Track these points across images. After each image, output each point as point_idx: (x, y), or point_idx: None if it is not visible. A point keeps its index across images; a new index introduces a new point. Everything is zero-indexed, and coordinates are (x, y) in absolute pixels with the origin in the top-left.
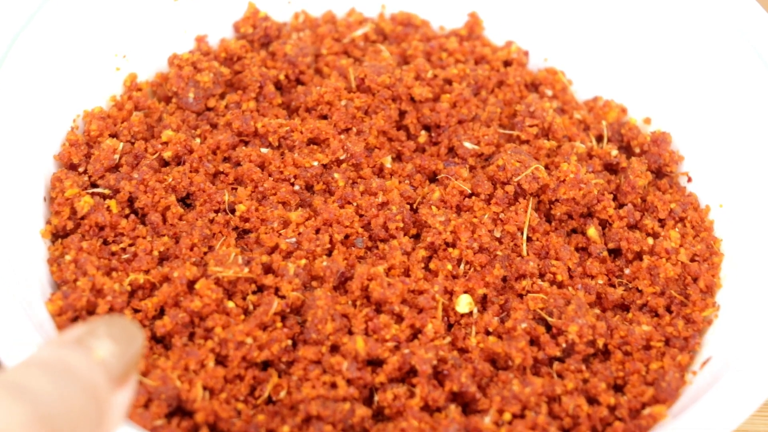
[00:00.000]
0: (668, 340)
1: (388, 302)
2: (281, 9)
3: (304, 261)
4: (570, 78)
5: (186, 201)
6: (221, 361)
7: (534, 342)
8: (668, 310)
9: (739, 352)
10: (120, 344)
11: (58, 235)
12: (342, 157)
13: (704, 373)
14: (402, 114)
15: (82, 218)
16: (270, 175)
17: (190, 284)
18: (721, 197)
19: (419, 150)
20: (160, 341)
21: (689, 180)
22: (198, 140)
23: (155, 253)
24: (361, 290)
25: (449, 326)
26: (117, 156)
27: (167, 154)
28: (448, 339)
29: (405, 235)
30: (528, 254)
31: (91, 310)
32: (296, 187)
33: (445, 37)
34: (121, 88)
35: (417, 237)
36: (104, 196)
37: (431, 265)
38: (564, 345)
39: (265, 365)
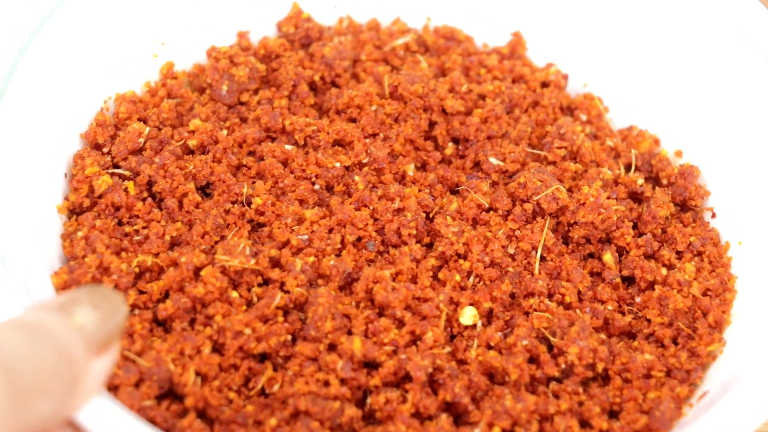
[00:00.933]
0: (669, 371)
1: (390, 306)
2: (326, 12)
3: (312, 258)
4: (607, 105)
5: (206, 191)
6: (218, 349)
7: (534, 360)
8: (674, 341)
9: (736, 387)
10: (101, 312)
11: (74, 212)
12: (365, 161)
13: (701, 407)
14: (432, 125)
15: (99, 197)
16: (291, 172)
17: (197, 271)
18: (742, 235)
19: (445, 162)
20: (162, 324)
21: (713, 216)
22: (225, 132)
23: (167, 237)
24: (365, 292)
25: (452, 337)
26: (142, 140)
27: (192, 143)
28: (448, 349)
29: (417, 242)
30: (539, 273)
31: None
32: (316, 186)
33: (486, 53)
34: (157, 75)
35: (430, 246)
36: (124, 178)
37: (440, 275)
38: (563, 366)
39: (264, 358)
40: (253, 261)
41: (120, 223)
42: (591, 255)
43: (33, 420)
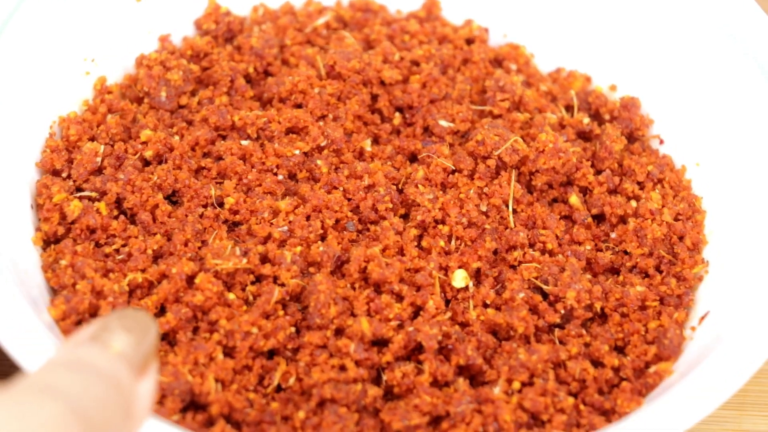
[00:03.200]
0: (662, 299)
1: (387, 282)
2: (241, 3)
3: (299, 248)
4: (531, 51)
5: (172, 198)
6: (228, 352)
7: (533, 311)
8: (658, 270)
9: (736, 305)
10: (135, 334)
11: (49, 242)
12: (323, 144)
13: (704, 328)
14: (374, 98)
15: (73, 222)
16: (253, 167)
17: (189, 279)
18: (696, 156)
19: (395, 132)
20: (164, 338)
21: (661, 142)
22: (177, 138)
23: (149, 251)
24: (359, 272)
25: (447, 302)
26: (99, 159)
27: (148, 154)
28: (448, 314)
29: (394, 215)
30: (516, 226)
31: (93, 313)
32: (280, 177)
33: (405, 19)
34: (92, 92)
35: (405, 217)
36: (92, 199)
37: (423, 243)
38: (563, 311)
39: (271, 354)
40: (245, 260)
41: (98, 245)
42: (555, 200)
43: None
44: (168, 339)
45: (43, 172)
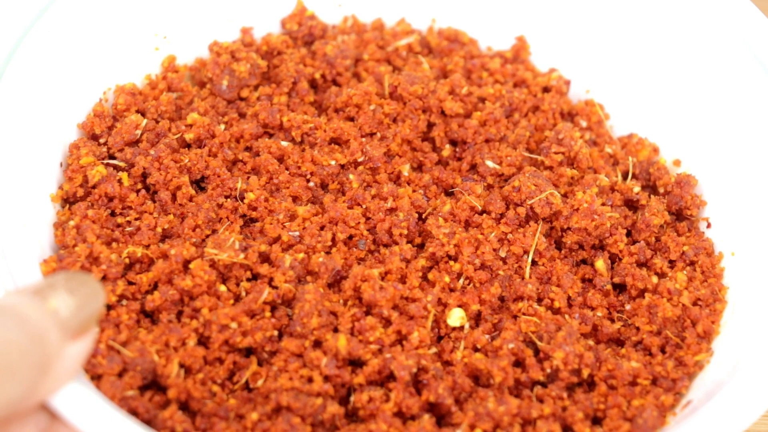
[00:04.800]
0: (656, 380)
1: (378, 305)
2: (330, 11)
3: (302, 255)
4: (608, 112)
5: (200, 184)
6: (203, 342)
7: (519, 364)
8: (662, 350)
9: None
10: (77, 297)
11: (68, 201)
12: (360, 159)
13: (684, 416)
14: (430, 126)
15: (93, 187)
16: (287, 169)
17: (186, 263)
18: (736, 245)
19: (442, 163)
20: (149, 316)
21: (708, 226)
22: (222, 126)
23: (159, 229)
24: (353, 290)
25: (439, 338)
26: (139, 132)
27: (189, 136)
28: (435, 350)
29: (409, 243)
30: (530, 277)
31: None
32: (311, 184)
33: (489, 57)
34: (159, 68)
35: (421, 247)
36: (118, 169)
37: (430, 276)
38: (549, 370)
39: (249, 352)
40: (242, 255)
41: (113, 214)
42: (584, 261)
43: (2, 401)
44: (152, 318)
45: (82, 134)
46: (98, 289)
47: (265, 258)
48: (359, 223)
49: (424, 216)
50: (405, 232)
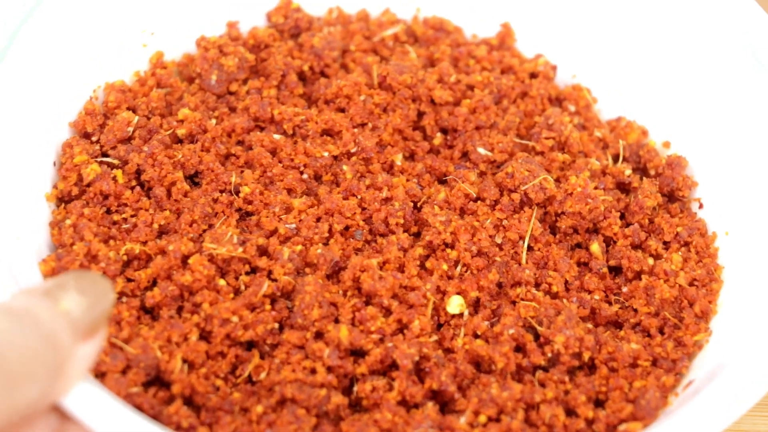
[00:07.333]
0: (656, 361)
1: (377, 295)
2: (315, 3)
3: (300, 247)
4: (595, 96)
5: (194, 180)
6: (205, 336)
7: (520, 349)
8: (660, 331)
9: (720, 377)
10: (87, 297)
11: (63, 200)
12: (353, 150)
13: (686, 396)
14: (420, 115)
15: (88, 185)
16: (280, 162)
17: (184, 259)
18: (729, 225)
19: (433, 152)
20: (149, 312)
21: (701, 206)
22: (213, 121)
23: (155, 225)
24: (352, 281)
25: (439, 326)
26: (131, 129)
27: (181, 132)
28: (435, 338)
29: (405, 232)
30: (527, 263)
31: None
32: (305, 176)
33: (475, 44)
34: (147, 64)
35: (418, 235)
36: (112, 166)
37: (427, 264)
38: (550, 354)
39: (251, 346)
40: (240, 249)
41: (108, 212)
42: (578, 245)
43: (19, 405)
44: (152, 314)
45: (74, 132)
46: (108, 287)
47: (263, 251)
48: (355, 213)
49: (419, 205)
50: (401, 221)
